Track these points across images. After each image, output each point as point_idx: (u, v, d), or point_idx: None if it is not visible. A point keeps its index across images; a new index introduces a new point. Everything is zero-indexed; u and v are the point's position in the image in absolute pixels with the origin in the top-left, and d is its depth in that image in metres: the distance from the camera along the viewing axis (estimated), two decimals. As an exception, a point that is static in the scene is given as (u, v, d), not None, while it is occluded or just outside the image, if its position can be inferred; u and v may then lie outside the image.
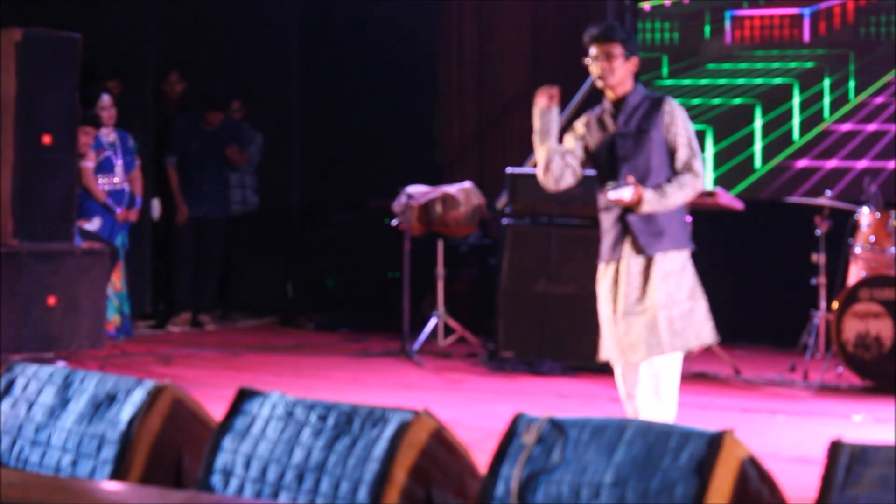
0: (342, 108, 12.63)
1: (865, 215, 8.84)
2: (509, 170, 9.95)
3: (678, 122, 6.02)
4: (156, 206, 11.50)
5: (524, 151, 11.33)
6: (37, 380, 4.30)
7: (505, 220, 9.80)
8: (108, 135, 10.44)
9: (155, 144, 11.48)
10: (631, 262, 6.01)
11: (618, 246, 6.05)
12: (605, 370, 9.17)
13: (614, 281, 6.05)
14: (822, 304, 9.12)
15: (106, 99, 10.38)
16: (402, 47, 12.42)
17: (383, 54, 12.43)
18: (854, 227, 8.92)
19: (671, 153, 6.04)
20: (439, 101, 12.41)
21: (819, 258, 9.11)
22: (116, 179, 10.47)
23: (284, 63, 12.83)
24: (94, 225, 10.24)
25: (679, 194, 5.96)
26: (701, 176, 6.02)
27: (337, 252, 12.16)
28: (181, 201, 11.32)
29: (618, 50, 6.02)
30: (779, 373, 9.16)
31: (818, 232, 9.06)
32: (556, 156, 6.11)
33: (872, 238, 8.81)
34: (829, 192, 9.10)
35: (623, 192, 5.95)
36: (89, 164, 10.24)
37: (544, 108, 6.09)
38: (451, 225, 10.29)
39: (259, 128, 12.06)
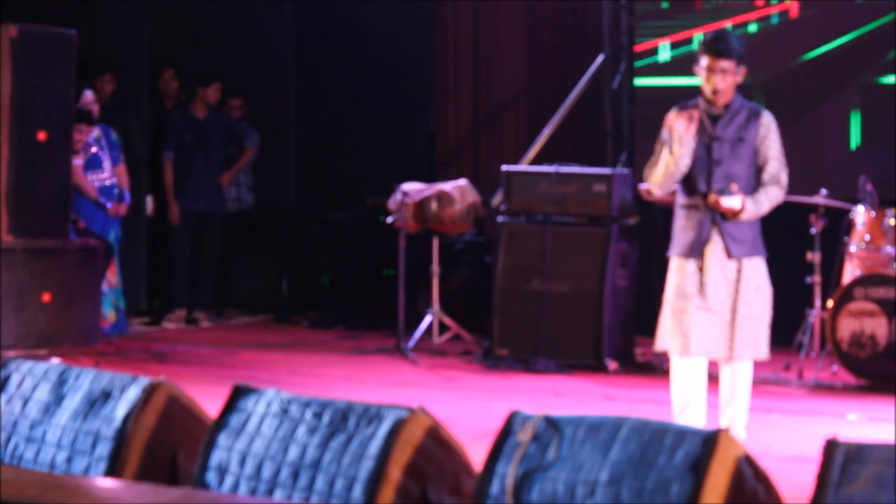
0: (337, 106, 12.64)
1: (861, 214, 8.84)
2: (505, 167, 9.96)
3: (772, 136, 6.33)
4: (148, 203, 11.49)
5: (520, 149, 11.34)
6: (31, 376, 4.30)
7: (500, 218, 9.81)
8: (94, 131, 10.39)
9: (150, 141, 11.45)
10: (716, 263, 6.28)
11: (700, 245, 6.30)
12: (600, 368, 9.23)
13: (698, 278, 6.29)
14: (817, 302, 9.12)
15: (88, 95, 10.33)
16: (397, 45, 12.43)
17: (379, 52, 12.43)
18: (849, 226, 8.92)
19: (759, 163, 6.33)
20: (435, 98, 12.41)
21: (814, 256, 9.10)
22: (105, 175, 10.44)
23: (280, 60, 12.82)
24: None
25: (768, 205, 6.33)
26: (786, 189, 6.35)
27: (332, 249, 12.15)
28: (173, 201, 11.28)
29: (732, 66, 6.24)
30: (774, 371, 9.15)
31: (813, 230, 9.06)
32: (679, 173, 6.32)
33: (868, 237, 8.81)
34: (824, 191, 9.10)
35: (734, 202, 6.23)
36: (78, 161, 10.21)
37: (684, 137, 6.24)
38: (446, 222, 10.28)
39: (255, 125, 12.05)
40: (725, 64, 6.22)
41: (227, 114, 11.71)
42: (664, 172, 6.33)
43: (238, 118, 11.88)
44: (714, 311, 6.26)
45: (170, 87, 11.77)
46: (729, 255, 6.29)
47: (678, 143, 6.26)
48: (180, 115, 11.38)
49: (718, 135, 6.30)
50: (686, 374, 6.35)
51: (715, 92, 6.27)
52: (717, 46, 6.26)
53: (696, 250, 6.31)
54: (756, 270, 6.36)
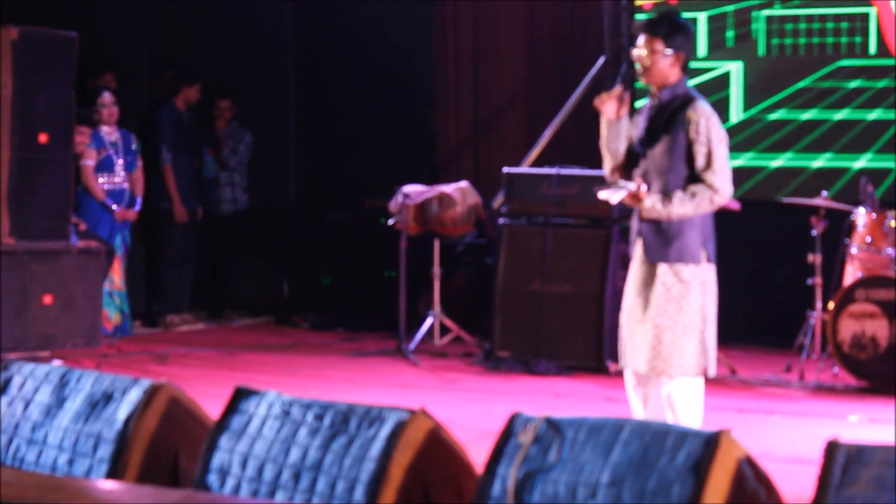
0: (338, 107, 12.65)
1: (862, 216, 8.84)
2: (506, 169, 9.97)
3: (700, 130, 5.68)
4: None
5: (520, 151, 11.34)
6: (33, 378, 4.30)
7: (501, 220, 9.82)
8: (111, 134, 10.43)
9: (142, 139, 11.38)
10: (638, 266, 5.81)
11: (633, 246, 5.86)
12: (601, 370, 9.23)
13: (629, 281, 5.88)
14: (818, 304, 9.13)
15: (107, 96, 10.37)
16: (397, 46, 12.43)
17: (379, 53, 12.44)
18: (850, 228, 8.93)
19: (692, 160, 5.73)
20: (435, 99, 12.42)
21: (815, 258, 9.12)
22: (117, 179, 10.48)
23: (280, 62, 12.83)
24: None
25: (688, 205, 5.65)
26: (719, 190, 5.65)
27: (333, 251, 12.16)
28: (179, 200, 11.28)
29: (659, 45, 5.75)
30: (775, 373, 9.17)
31: (814, 232, 9.07)
32: (611, 158, 5.89)
33: (868, 238, 8.82)
34: (825, 193, 9.11)
35: (613, 194, 5.79)
36: (90, 162, 10.26)
37: (612, 120, 5.81)
38: (447, 224, 10.29)
39: (255, 126, 12.05)
40: (652, 42, 5.75)
41: (200, 113, 11.67)
42: (604, 157, 5.93)
43: (228, 118, 11.85)
44: (636, 318, 5.76)
45: (169, 88, 11.72)
46: (645, 256, 5.76)
47: (604, 125, 5.86)
48: (172, 113, 11.32)
49: (649, 126, 5.81)
50: (627, 388, 5.89)
51: (641, 71, 5.81)
52: (647, 23, 5.86)
53: (632, 251, 5.87)
54: (680, 278, 5.68)
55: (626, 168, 5.91)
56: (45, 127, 9.49)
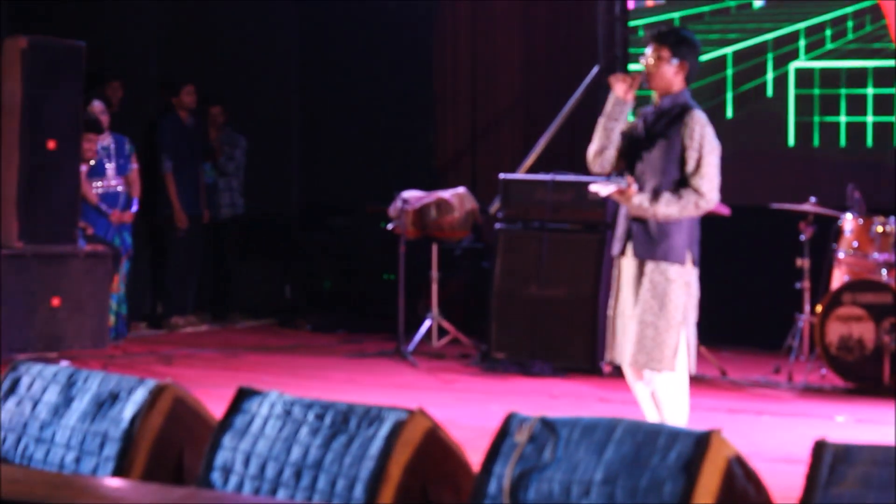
0: (340, 114, 12.66)
1: (849, 221, 8.86)
2: (502, 175, 9.96)
3: (694, 137, 5.74)
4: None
5: (517, 158, 11.34)
6: (41, 379, 4.30)
7: (498, 225, 9.82)
8: (103, 139, 10.38)
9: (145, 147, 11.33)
10: (628, 262, 5.88)
11: (621, 242, 5.92)
12: (595, 371, 9.23)
13: (618, 277, 5.94)
14: (807, 307, 9.13)
15: (97, 105, 10.33)
16: (398, 57, 12.45)
17: (380, 61, 12.46)
18: (838, 233, 8.95)
19: (684, 164, 5.78)
20: (434, 107, 12.43)
21: (803, 263, 9.12)
22: (111, 182, 10.44)
23: (284, 70, 12.84)
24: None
25: (674, 206, 5.71)
26: (705, 194, 5.72)
27: (334, 255, 12.16)
28: (180, 207, 11.26)
29: (665, 53, 5.84)
30: (764, 374, 9.17)
31: (802, 237, 9.08)
32: (611, 146, 5.92)
33: (855, 243, 8.83)
34: (813, 199, 9.11)
35: (602, 187, 5.87)
36: (82, 167, 10.21)
37: (620, 98, 5.87)
38: (445, 229, 10.29)
39: (258, 132, 12.03)
40: (659, 50, 5.85)
41: (202, 120, 11.62)
42: (595, 134, 5.97)
43: (220, 124, 11.81)
44: (629, 314, 5.82)
45: (184, 102, 11.54)
46: (634, 253, 5.82)
47: (611, 101, 5.92)
48: (173, 121, 11.31)
49: (648, 129, 5.88)
50: (629, 383, 5.93)
51: (647, 78, 5.88)
52: (655, 33, 5.96)
53: (618, 247, 5.91)
54: (665, 276, 5.74)
55: (626, 169, 5.94)
56: (54, 134, 9.49)
